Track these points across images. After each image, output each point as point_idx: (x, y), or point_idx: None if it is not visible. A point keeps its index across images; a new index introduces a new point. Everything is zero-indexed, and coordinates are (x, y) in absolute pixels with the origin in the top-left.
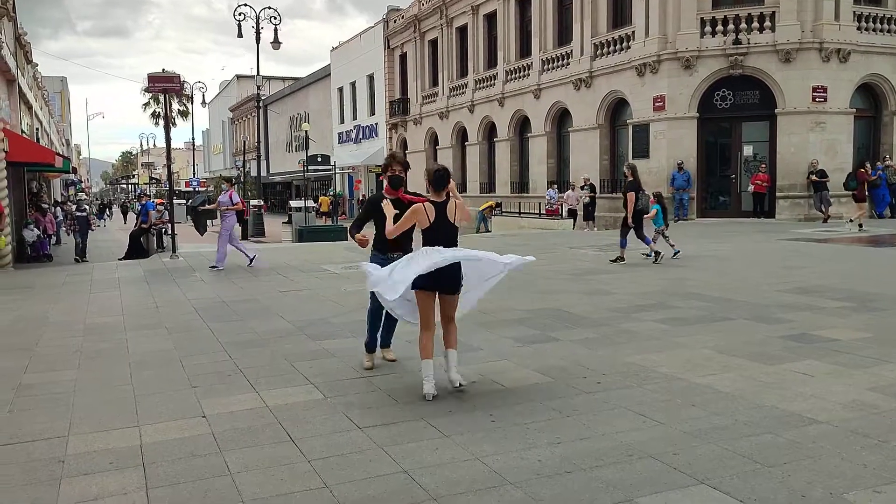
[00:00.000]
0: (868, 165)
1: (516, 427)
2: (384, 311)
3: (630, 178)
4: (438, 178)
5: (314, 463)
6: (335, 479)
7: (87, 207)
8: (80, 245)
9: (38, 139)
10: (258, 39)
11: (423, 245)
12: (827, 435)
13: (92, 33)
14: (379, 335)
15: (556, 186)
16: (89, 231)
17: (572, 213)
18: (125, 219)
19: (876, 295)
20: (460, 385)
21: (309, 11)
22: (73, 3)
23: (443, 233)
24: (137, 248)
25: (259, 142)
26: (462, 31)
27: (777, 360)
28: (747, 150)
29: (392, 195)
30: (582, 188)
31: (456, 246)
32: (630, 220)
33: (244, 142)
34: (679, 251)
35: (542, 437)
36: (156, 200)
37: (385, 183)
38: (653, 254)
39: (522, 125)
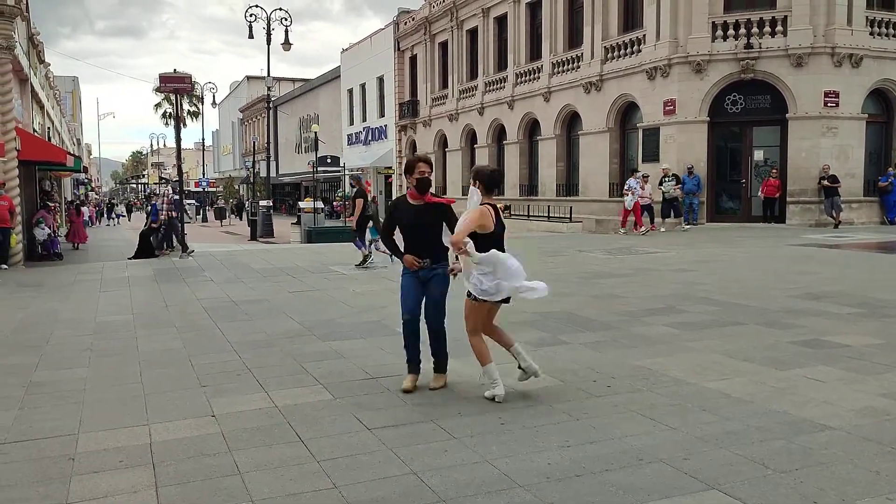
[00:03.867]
0: None
1: (526, 430)
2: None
3: (357, 187)
4: (494, 180)
5: (323, 463)
6: (344, 480)
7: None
8: (180, 234)
9: (49, 138)
10: (269, 41)
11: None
12: (839, 441)
13: (106, 33)
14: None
15: (639, 174)
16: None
17: (648, 210)
18: (129, 217)
19: (887, 301)
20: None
21: (327, 13)
22: (92, 1)
23: (499, 237)
24: (147, 248)
25: (269, 142)
26: (472, 33)
27: (788, 366)
28: (758, 155)
29: (418, 199)
30: (666, 179)
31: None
32: (355, 225)
33: (254, 142)
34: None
35: (552, 440)
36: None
37: (410, 186)
38: (364, 259)
39: (532, 128)
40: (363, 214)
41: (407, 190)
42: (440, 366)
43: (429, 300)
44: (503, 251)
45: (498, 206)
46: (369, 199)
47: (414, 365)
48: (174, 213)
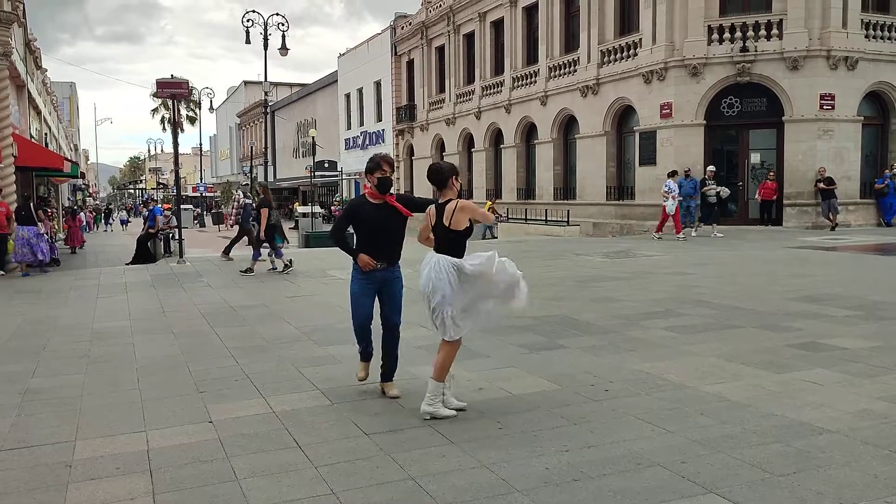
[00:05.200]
0: None
1: (524, 434)
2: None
3: (262, 196)
4: (431, 175)
5: (321, 469)
6: (342, 486)
7: (250, 196)
8: (234, 241)
9: (46, 144)
10: (266, 46)
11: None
12: (837, 444)
13: (105, 38)
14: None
15: (675, 177)
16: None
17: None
18: (125, 225)
19: (884, 303)
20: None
21: (327, 18)
22: (91, 7)
23: (437, 237)
24: (144, 253)
25: (266, 147)
26: (469, 37)
27: (786, 369)
28: (754, 158)
29: (379, 199)
30: (708, 181)
31: (449, 253)
32: (262, 234)
33: (251, 147)
34: (277, 268)
35: (550, 445)
36: (163, 205)
37: (370, 185)
38: (280, 265)
39: (529, 132)
40: (268, 223)
41: (365, 189)
42: (392, 372)
43: (391, 304)
44: (442, 251)
45: (458, 202)
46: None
47: (367, 354)
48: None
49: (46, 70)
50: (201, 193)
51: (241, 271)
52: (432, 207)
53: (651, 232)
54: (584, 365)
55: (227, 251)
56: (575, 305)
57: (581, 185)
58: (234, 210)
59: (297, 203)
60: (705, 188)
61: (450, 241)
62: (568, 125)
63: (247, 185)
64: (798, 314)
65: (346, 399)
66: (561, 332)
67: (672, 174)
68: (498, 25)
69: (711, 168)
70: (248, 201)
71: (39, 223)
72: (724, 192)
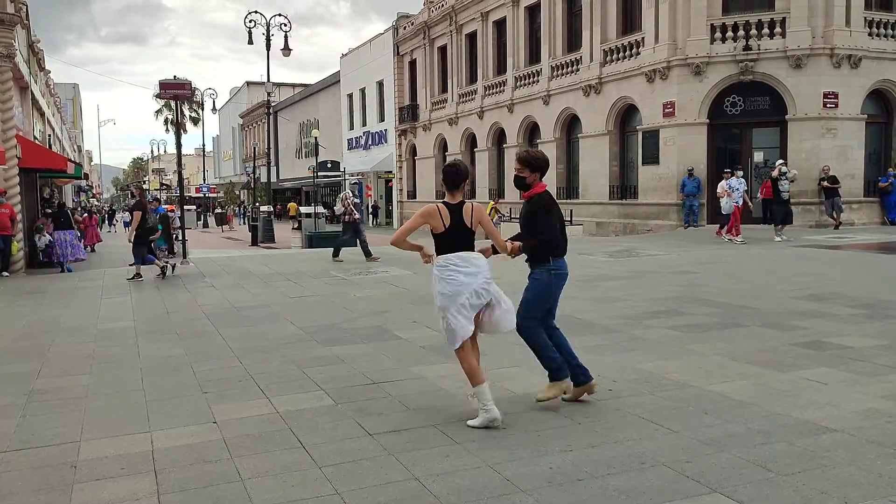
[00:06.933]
0: None
1: (527, 434)
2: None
3: (137, 199)
4: (451, 176)
5: (325, 469)
6: (346, 486)
7: (359, 196)
8: (363, 242)
9: (50, 145)
10: (268, 46)
11: (437, 252)
12: (841, 444)
13: (109, 39)
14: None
15: (737, 173)
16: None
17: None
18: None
19: (889, 302)
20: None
21: (332, 17)
22: (96, 8)
23: (455, 237)
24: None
25: (269, 148)
26: (471, 37)
27: (790, 368)
28: (758, 157)
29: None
30: (780, 178)
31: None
32: (131, 239)
33: (254, 148)
34: (165, 274)
35: (554, 445)
36: (166, 206)
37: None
38: (161, 270)
39: (532, 131)
40: (143, 227)
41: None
42: (548, 374)
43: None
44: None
45: (466, 203)
46: (153, 209)
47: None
48: (357, 217)
49: (50, 72)
50: (204, 194)
51: (127, 279)
52: (442, 207)
53: (654, 231)
54: (587, 364)
55: (336, 252)
56: (578, 305)
57: (584, 185)
58: (344, 209)
59: (292, 204)
60: (779, 179)
61: (469, 242)
62: (570, 124)
63: (356, 184)
64: (802, 313)
65: (350, 399)
66: (564, 332)
67: (733, 171)
68: (500, 25)
69: (781, 161)
70: (357, 200)
71: (75, 227)
72: (794, 173)
